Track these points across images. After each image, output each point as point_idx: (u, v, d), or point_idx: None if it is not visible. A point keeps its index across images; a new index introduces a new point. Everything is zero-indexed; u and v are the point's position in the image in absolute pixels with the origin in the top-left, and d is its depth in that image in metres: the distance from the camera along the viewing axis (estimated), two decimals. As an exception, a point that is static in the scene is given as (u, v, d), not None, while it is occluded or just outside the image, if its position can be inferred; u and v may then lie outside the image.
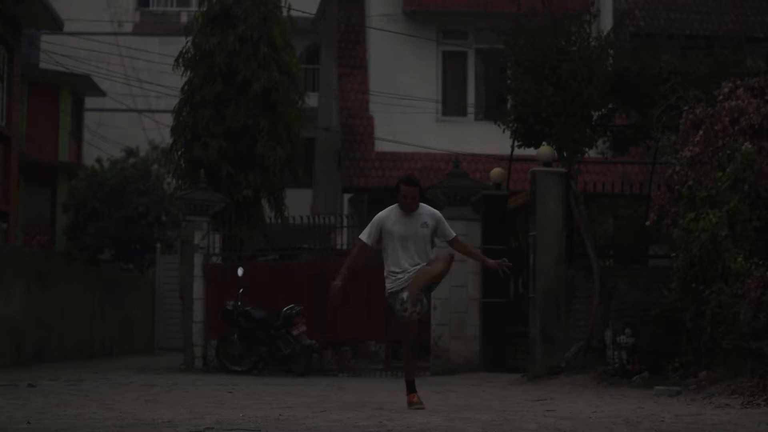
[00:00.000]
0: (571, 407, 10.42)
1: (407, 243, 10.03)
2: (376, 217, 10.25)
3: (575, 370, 14.59)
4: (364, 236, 10.18)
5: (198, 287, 19.05)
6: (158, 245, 30.82)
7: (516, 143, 16.87)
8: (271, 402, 10.93)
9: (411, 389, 10.15)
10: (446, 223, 10.26)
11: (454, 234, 10.29)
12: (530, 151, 16.59)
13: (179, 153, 23.44)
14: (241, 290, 18.18)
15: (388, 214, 10.15)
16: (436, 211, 10.28)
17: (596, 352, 14.73)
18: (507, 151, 17.73)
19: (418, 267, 9.97)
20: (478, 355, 17.56)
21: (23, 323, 19.37)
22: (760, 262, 12.01)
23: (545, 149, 15.77)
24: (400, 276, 9.99)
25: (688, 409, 10.12)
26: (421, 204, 10.19)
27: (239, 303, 18.05)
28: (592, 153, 17.35)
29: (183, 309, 19.50)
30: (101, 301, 25.20)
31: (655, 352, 13.93)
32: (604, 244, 16.81)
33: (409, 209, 10.10)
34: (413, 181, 10.22)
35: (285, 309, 17.78)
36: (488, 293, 17.52)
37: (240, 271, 18.31)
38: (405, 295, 9.84)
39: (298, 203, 27.93)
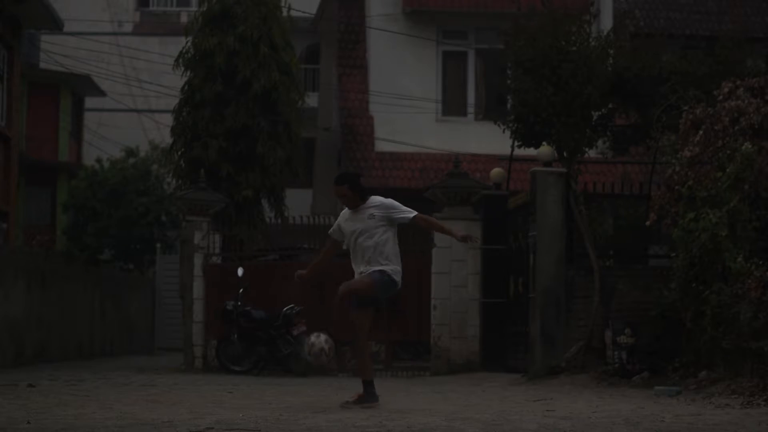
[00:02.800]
0: (571, 407, 10.42)
1: (360, 239, 9.93)
2: (340, 214, 10.31)
3: (575, 370, 14.59)
4: (331, 232, 10.33)
5: (198, 287, 19.03)
6: (158, 245, 30.81)
7: (516, 143, 16.87)
8: (271, 402, 10.93)
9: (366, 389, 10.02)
10: (399, 207, 9.96)
11: (413, 213, 9.96)
12: (530, 151, 16.59)
13: (179, 153, 23.44)
14: (241, 290, 18.17)
15: (344, 211, 10.19)
16: (385, 200, 10.03)
17: (596, 352, 14.73)
18: (507, 151, 17.73)
19: (367, 267, 9.91)
20: (478, 355, 17.56)
21: (23, 323, 19.36)
22: (760, 262, 12.01)
23: (545, 149, 15.77)
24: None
25: (688, 409, 10.12)
26: (372, 197, 10.05)
27: (239, 303, 18.05)
28: (592, 153, 17.35)
29: (183, 309, 19.49)
30: (101, 301, 25.19)
31: (655, 352, 13.94)
32: (604, 244, 16.80)
33: (348, 206, 10.09)
34: (338, 179, 10.21)
35: (285, 309, 17.77)
36: (488, 293, 17.53)
37: (240, 271, 18.31)
38: (313, 338, 9.98)
39: (298, 203, 27.93)
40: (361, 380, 10.16)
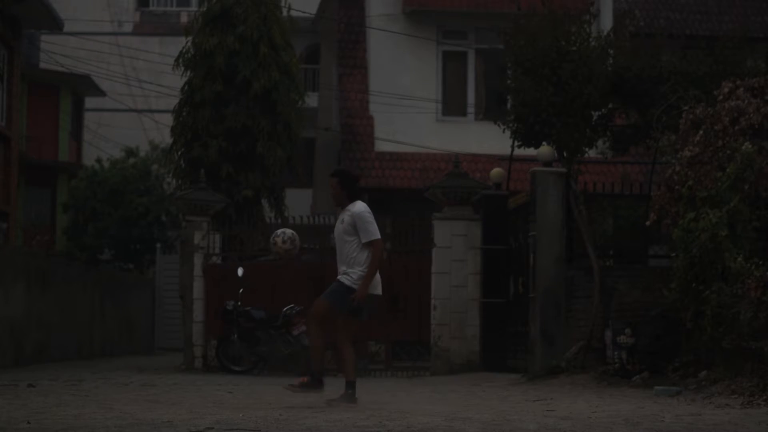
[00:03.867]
0: (571, 407, 10.42)
1: (336, 240, 10.19)
2: None
3: (575, 370, 14.58)
4: None
5: (198, 287, 19.04)
6: (158, 245, 30.81)
7: (516, 143, 16.87)
8: (271, 402, 10.93)
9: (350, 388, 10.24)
10: (364, 224, 9.96)
11: (372, 238, 9.92)
12: (530, 151, 16.59)
13: (179, 153, 23.46)
14: (241, 290, 18.17)
15: None
16: (359, 209, 10.04)
17: (596, 352, 14.73)
18: (507, 151, 17.73)
19: (343, 270, 10.08)
20: (478, 355, 17.56)
21: (23, 323, 19.36)
22: (760, 262, 12.00)
23: (545, 149, 15.78)
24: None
25: (688, 409, 10.12)
26: (358, 202, 10.12)
27: (239, 303, 18.05)
28: (592, 153, 17.35)
29: (183, 309, 19.50)
30: (101, 301, 25.19)
31: (655, 352, 13.93)
32: (604, 244, 16.79)
33: (335, 201, 10.32)
34: (334, 171, 10.46)
35: (285, 309, 17.78)
36: (488, 293, 17.52)
37: (240, 271, 18.31)
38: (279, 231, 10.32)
39: (298, 203, 27.94)
40: (345, 380, 10.36)
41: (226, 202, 20.26)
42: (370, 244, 9.99)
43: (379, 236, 10.04)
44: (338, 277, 10.18)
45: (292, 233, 10.44)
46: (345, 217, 10.12)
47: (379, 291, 10.22)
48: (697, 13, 27.04)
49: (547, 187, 15.40)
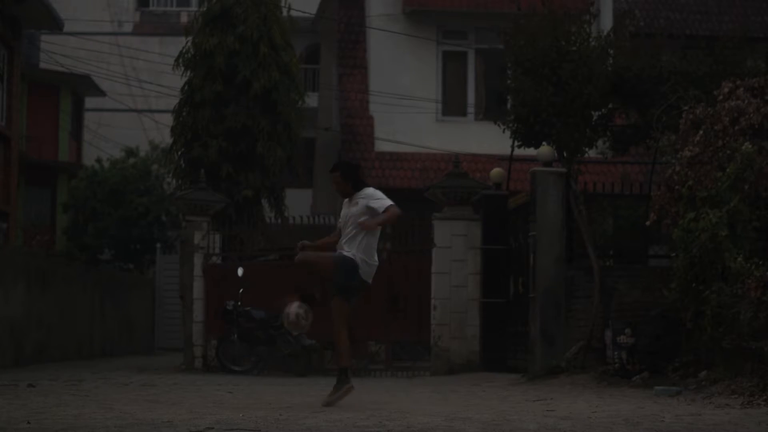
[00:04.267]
0: (571, 407, 10.42)
1: (345, 226, 10.25)
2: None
3: (575, 370, 14.58)
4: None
5: (198, 287, 19.04)
6: (158, 245, 30.81)
7: (516, 143, 16.87)
8: (271, 402, 10.93)
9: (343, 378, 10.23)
10: (379, 199, 10.10)
11: (388, 204, 10.04)
12: (530, 151, 16.59)
13: (179, 153, 23.47)
14: (241, 290, 18.18)
15: (346, 199, 10.48)
16: (371, 191, 10.22)
17: (596, 352, 14.73)
18: (507, 151, 17.73)
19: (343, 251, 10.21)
20: (478, 355, 17.56)
21: (23, 323, 19.36)
22: (760, 262, 12.00)
23: (545, 149, 15.78)
24: None
25: (688, 409, 10.12)
26: (366, 189, 10.26)
27: (239, 303, 18.05)
28: (592, 153, 17.35)
29: (183, 309, 19.50)
30: (101, 301, 25.19)
31: (655, 352, 13.94)
32: (604, 244, 16.79)
33: (341, 194, 10.42)
34: (334, 166, 10.58)
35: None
36: (488, 293, 17.53)
37: (240, 271, 18.31)
38: (286, 308, 10.40)
39: (298, 203, 27.94)
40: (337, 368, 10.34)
41: (226, 202, 20.26)
42: (386, 210, 10.02)
43: (394, 204, 10.04)
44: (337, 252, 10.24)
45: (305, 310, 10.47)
46: (358, 200, 10.19)
47: (360, 265, 10.22)
48: (697, 13, 27.05)
49: (547, 187, 15.40)
